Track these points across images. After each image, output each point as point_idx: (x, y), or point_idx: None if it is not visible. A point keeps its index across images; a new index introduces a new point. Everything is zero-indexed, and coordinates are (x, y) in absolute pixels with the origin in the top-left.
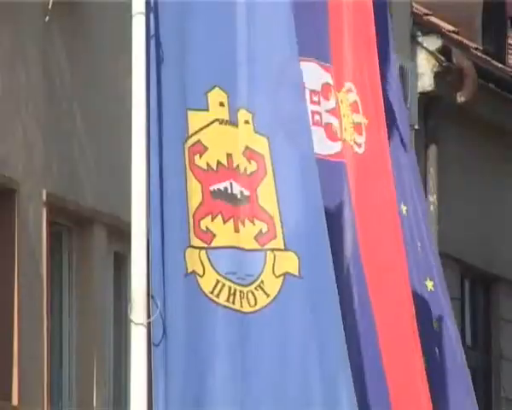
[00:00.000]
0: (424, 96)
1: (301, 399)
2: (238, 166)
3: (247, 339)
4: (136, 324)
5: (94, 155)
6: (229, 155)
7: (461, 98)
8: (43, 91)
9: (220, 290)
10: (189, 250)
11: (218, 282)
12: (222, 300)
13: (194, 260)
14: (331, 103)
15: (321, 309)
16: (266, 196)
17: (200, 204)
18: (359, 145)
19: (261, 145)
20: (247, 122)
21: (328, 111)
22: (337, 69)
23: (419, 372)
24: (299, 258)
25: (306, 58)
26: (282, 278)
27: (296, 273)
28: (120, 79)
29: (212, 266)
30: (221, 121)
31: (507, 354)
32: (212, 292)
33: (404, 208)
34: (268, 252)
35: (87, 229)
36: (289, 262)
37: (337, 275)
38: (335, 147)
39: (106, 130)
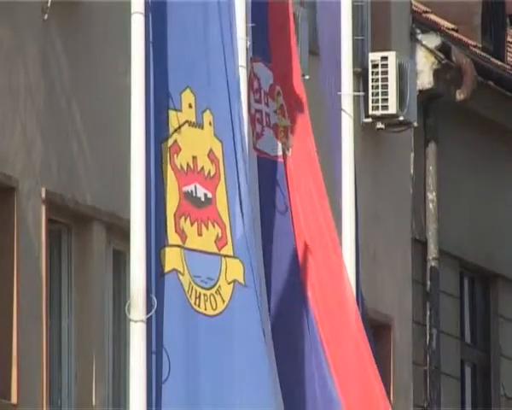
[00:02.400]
0: (423, 93)
1: (258, 401)
2: (203, 168)
3: (213, 342)
4: (135, 321)
5: (93, 154)
6: (194, 158)
7: (460, 96)
8: (42, 90)
9: (191, 292)
10: (166, 249)
11: (190, 283)
12: (192, 301)
13: (175, 258)
14: (275, 104)
15: (264, 316)
16: (221, 201)
17: (178, 203)
18: (288, 148)
19: (217, 149)
20: (210, 124)
21: (274, 111)
22: (275, 70)
23: (371, 369)
24: (244, 266)
25: (256, 58)
26: (232, 284)
27: (242, 282)
28: (119, 78)
29: (187, 266)
30: (189, 123)
31: (506, 351)
32: (188, 292)
33: None
34: (222, 258)
35: (86, 227)
36: (237, 270)
37: (281, 274)
38: (280, 148)
39: (105, 128)
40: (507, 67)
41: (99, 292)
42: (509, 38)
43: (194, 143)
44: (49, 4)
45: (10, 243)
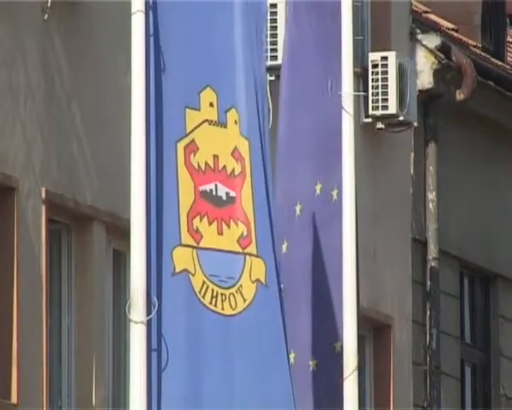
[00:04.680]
0: (423, 93)
1: (279, 399)
2: (225, 166)
3: (230, 341)
4: (135, 322)
5: (93, 153)
6: (215, 157)
7: (460, 96)
8: (43, 89)
9: (206, 291)
10: (179, 249)
11: (204, 283)
12: (207, 301)
13: (186, 258)
14: None
15: (280, 316)
16: (246, 199)
17: (193, 203)
18: None
19: (244, 148)
20: (236, 122)
21: None
22: None
23: None
24: (266, 266)
25: None
26: (255, 284)
27: (263, 281)
28: (119, 77)
29: (200, 266)
30: (210, 122)
31: (506, 351)
32: (200, 292)
33: (335, 193)
34: (247, 256)
35: (86, 227)
36: (260, 269)
37: None
38: None
39: (105, 128)
40: (507, 67)
41: (99, 292)
42: (509, 38)
43: (216, 141)
44: (49, 4)
45: (10, 243)
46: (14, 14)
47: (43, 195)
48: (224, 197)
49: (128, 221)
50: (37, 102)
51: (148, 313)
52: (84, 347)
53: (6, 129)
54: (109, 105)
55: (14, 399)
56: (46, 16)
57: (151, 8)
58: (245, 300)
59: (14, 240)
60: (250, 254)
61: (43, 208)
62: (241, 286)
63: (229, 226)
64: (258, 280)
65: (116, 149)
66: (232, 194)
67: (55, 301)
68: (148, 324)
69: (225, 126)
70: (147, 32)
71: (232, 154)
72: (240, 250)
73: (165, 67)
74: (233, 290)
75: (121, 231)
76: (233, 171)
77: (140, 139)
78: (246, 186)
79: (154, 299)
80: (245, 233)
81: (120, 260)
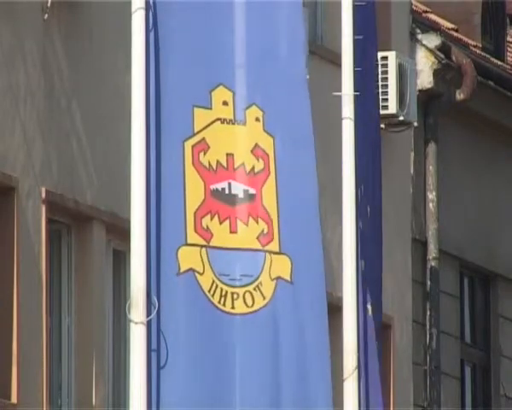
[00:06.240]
0: (423, 93)
1: (292, 398)
2: (243, 164)
3: (239, 340)
4: (135, 323)
5: (93, 153)
6: (229, 155)
7: (460, 96)
8: (42, 89)
9: (215, 291)
10: (184, 248)
11: (213, 282)
12: (216, 301)
13: (192, 257)
14: None
15: (309, 315)
16: (268, 196)
17: (203, 202)
18: None
19: (268, 144)
20: (257, 120)
21: None
22: None
23: None
24: (292, 263)
25: None
26: (275, 281)
27: (288, 278)
28: (119, 77)
29: (210, 265)
30: (223, 121)
31: (506, 351)
32: (209, 291)
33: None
34: (267, 254)
35: (86, 226)
36: (282, 266)
37: None
38: None
39: (105, 127)
40: (507, 67)
41: (99, 292)
42: (509, 38)
43: (230, 140)
44: (49, 4)
45: (10, 243)
46: (14, 14)
47: (43, 195)
48: (242, 195)
49: (128, 221)
50: (37, 102)
51: (148, 313)
52: (84, 346)
53: (6, 129)
54: (109, 105)
55: (14, 399)
56: (46, 16)
57: (151, 7)
58: (264, 297)
59: (14, 240)
60: (270, 252)
61: (43, 208)
62: (260, 284)
63: (247, 224)
64: (279, 277)
65: (116, 149)
66: (251, 191)
67: (55, 301)
68: (148, 324)
69: (244, 124)
70: (147, 30)
71: (252, 151)
72: (260, 247)
73: (166, 67)
74: (250, 288)
75: (121, 231)
76: (253, 168)
77: (140, 139)
78: (268, 183)
79: (155, 299)
80: (265, 230)
81: (120, 260)
